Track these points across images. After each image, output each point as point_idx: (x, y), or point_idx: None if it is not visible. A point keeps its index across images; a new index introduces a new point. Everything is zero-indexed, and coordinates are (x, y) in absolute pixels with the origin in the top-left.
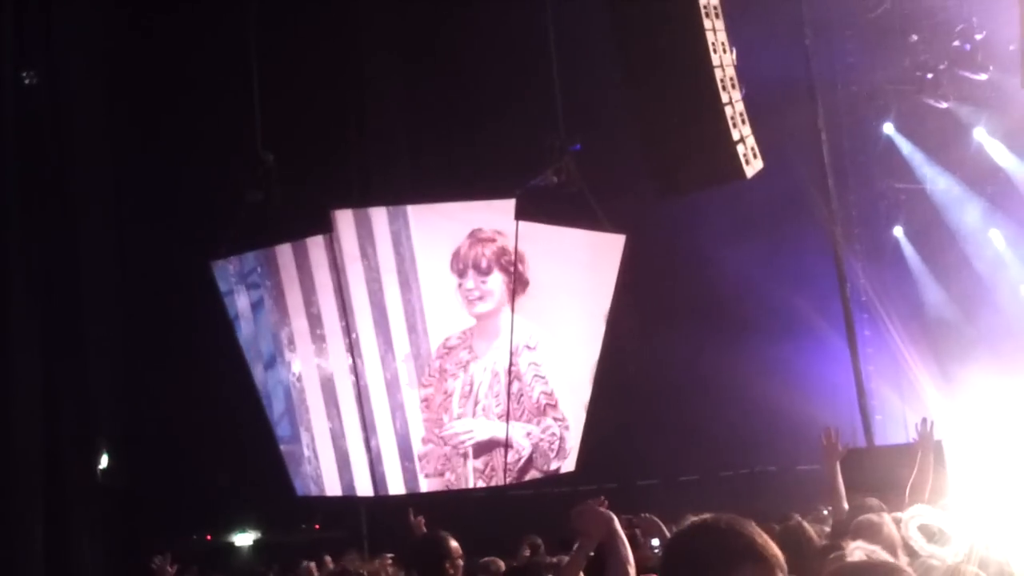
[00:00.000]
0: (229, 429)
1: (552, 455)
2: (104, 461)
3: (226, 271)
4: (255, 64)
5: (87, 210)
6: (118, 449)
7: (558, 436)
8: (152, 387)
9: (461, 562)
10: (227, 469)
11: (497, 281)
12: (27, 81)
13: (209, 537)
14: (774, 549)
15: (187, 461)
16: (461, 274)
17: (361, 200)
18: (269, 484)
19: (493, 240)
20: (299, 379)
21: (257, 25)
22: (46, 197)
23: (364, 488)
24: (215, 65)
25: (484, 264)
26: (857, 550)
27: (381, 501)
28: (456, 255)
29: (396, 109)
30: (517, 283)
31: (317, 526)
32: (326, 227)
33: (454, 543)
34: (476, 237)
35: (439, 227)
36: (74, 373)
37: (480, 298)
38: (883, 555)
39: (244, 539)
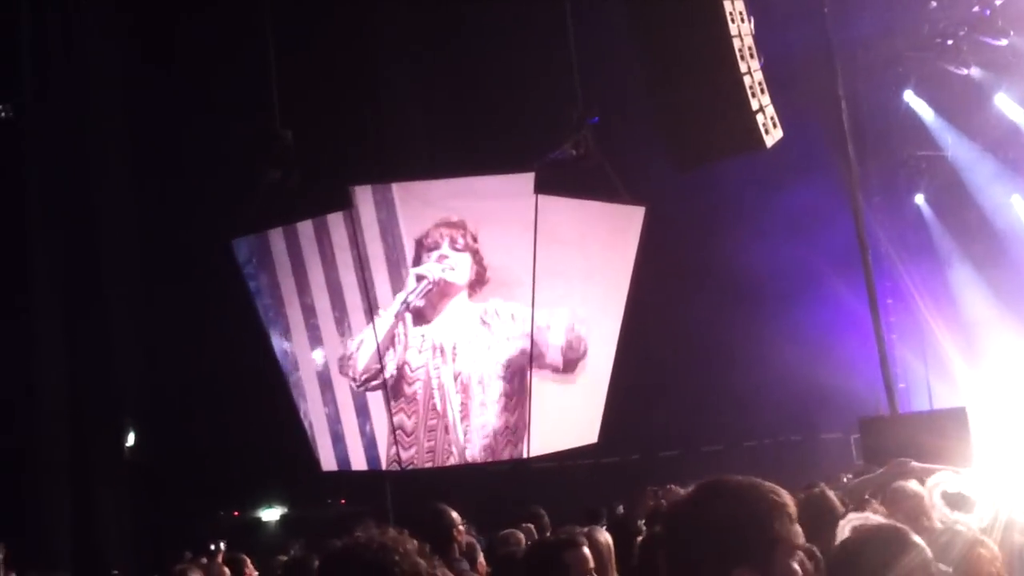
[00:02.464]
0: (254, 405)
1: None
2: (131, 439)
3: (247, 251)
4: (272, 42)
5: (107, 192)
6: (144, 427)
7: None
8: (177, 365)
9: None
10: (254, 445)
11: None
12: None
13: (237, 513)
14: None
15: (213, 437)
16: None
17: (380, 177)
18: (295, 460)
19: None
20: (323, 358)
21: (273, 3)
22: (66, 180)
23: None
24: (232, 44)
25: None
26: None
27: (407, 476)
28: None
29: (414, 85)
30: (480, 269)
31: (343, 501)
32: (346, 203)
33: (454, 513)
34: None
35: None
36: (99, 353)
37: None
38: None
39: (271, 515)
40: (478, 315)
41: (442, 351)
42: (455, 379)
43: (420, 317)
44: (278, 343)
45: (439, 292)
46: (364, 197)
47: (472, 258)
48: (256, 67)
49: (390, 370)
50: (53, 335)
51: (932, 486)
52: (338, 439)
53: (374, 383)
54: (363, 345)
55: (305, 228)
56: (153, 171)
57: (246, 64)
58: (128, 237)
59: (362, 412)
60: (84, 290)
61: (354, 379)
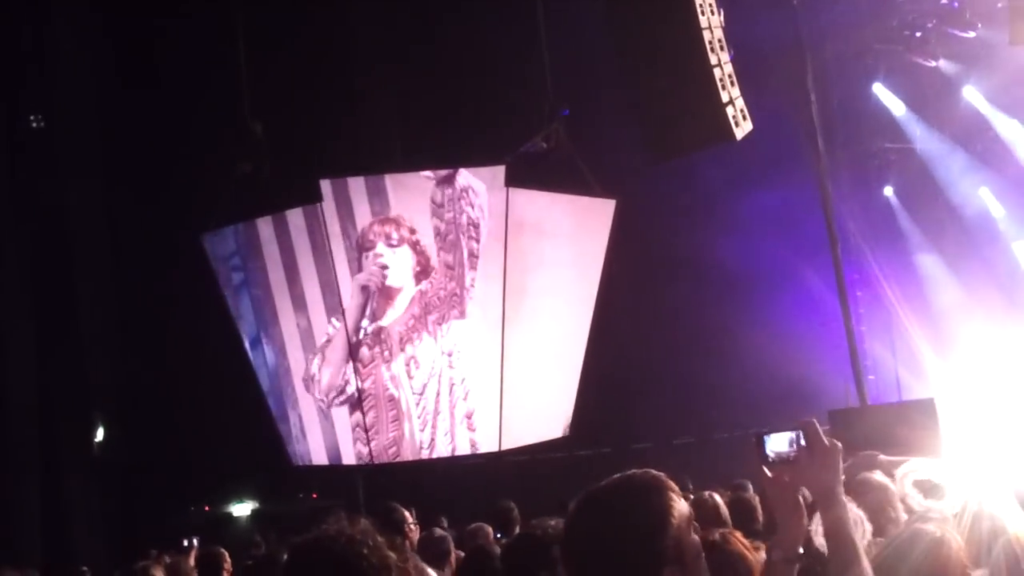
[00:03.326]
0: (225, 401)
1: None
2: (100, 435)
3: (217, 247)
4: (242, 33)
5: (77, 187)
6: (115, 423)
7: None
8: (148, 361)
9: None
10: (224, 440)
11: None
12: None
13: (208, 508)
14: None
15: (184, 433)
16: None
17: (351, 170)
18: (267, 454)
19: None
20: (285, 357)
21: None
22: (36, 175)
23: (350, 461)
24: (203, 35)
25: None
26: None
27: (377, 469)
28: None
29: (384, 77)
30: (422, 259)
31: (315, 495)
32: (315, 197)
33: (406, 511)
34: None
35: (418, 198)
36: (68, 348)
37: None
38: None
39: (242, 509)
40: (423, 308)
41: (391, 346)
42: (406, 368)
43: (371, 316)
44: (250, 338)
45: (384, 294)
46: (334, 190)
47: (412, 250)
48: (227, 59)
49: (354, 384)
50: (23, 331)
51: (904, 474)
52: (304, 435)
53: (340, 399)
54: (324, 363)
55: (276, 222)
56: (123, 165)
57: (217, 56)
58: (98, 232)
59: (325, 413)
60: (54, 286)
61: (322, 399)
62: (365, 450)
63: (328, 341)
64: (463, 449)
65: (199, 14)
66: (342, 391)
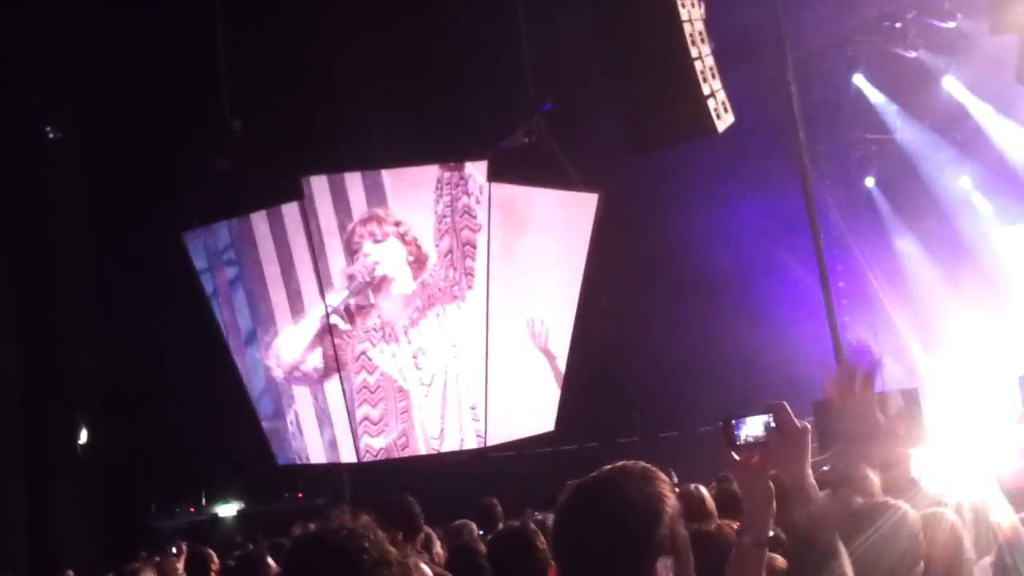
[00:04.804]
0: (210, 401)
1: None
2: (84, 436)
3: (200, 247)
4: (220, 30)
5: (57, 185)
6: (99, 424)
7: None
8: (131, 361)
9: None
10: (209, 441)
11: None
12: None
13: (193, 509)
14: None
15: (168, 433)
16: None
17: (334, 166)
18: (251, 455)
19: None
20: (279, 353)
21: None
22: (16, 175)
23: (348, 456)
24: (181, 33)
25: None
26: None
27: (363, 467)
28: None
29: (365, 73)
30: (414, 249)
31: (300, 494)
32: (298, 194)
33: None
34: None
35: (414, 191)
36: (51, 349)
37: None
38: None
39: (228, 510)
40: (426, 299)
41: (396, 337)
42: (414, 360)
43: (367, 310)
44: (245, 333)
45: (377, 286)
46: (319, 187)
47: (400, 241)
48: (206, 57)
49: (313, 362)
50: (4, 331)
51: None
52: (301, 432)
53: (298, 373)
54: (291, 336)
55: (258, 219)
56: (104, 162)
57: (195, 54)
58: (80, 231)
59: (321, 405)
60: (36, 286)
61: (279, 366)
62: (375, 443)
63: (316, 326)
64: (470, 441)
65: (178, 11)
66: (303, 363)
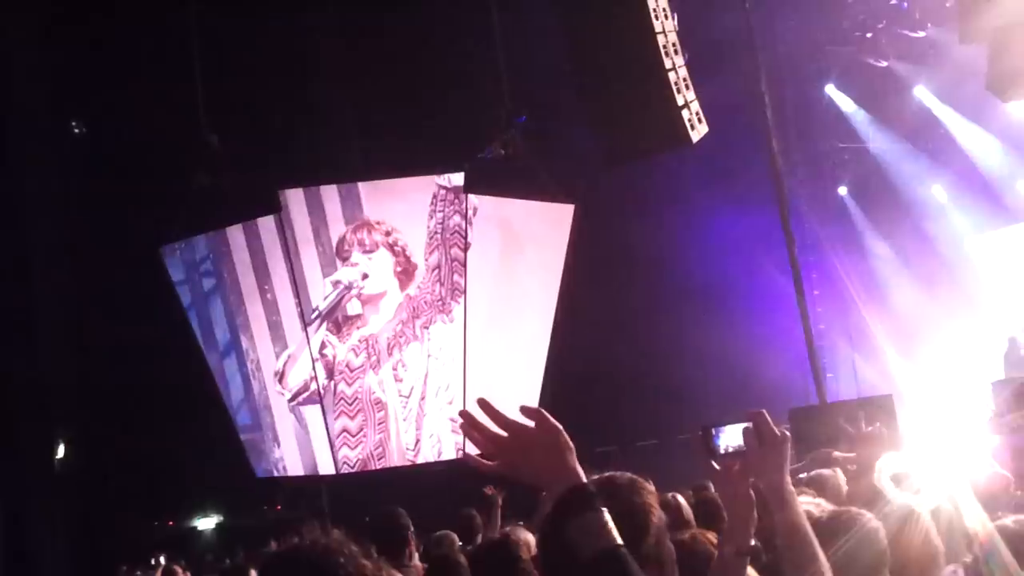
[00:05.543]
0: (188, 414)
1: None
2: (61, 450)
3: (178, 259)
4: (197, 45)
5: (35, 199)
6: (76, 438)
7: None
8: (110, 374)
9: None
10: (188, 455)
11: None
12: None
13: (172, 523)
14: None
15: (146, 447)
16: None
17: (311, 179)
18: (229, 468)
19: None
20: (257, 367)
21: (200, 4)
22: None
23: (326, 468)
24: (158, 48)
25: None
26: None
27: (342, 479)
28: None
29: (342, 85)
30: (403, 259)
31: (279, 507)
32: (275, 207)
33: (407, 517)
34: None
35: (392, 204)
36: (28, 363)
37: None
38: (827, 506)
39: (207, 523)
40: (411, 312)
41: (379, 350)
42: (394, 372)
43: (353, 320)
44: (223, 345)
45: (364, 298)
46: (295, 200)
47: (389, 251)
48: (181, 69)
49: (322, 381)
50: None
51: (881, 467)
52: (278, 444)
53: (304, 396)
54: (292, 359)
55: (235, 232)
56: (81, 175)
57: (171, 67)
58: (56, 248)
59: (299, 418)
60: (12, 298)
61: (284, 392)
62: (352, 455)
63: (300, 340)
64: (448, 452)
65: (155, 25)
66: (307, 388)
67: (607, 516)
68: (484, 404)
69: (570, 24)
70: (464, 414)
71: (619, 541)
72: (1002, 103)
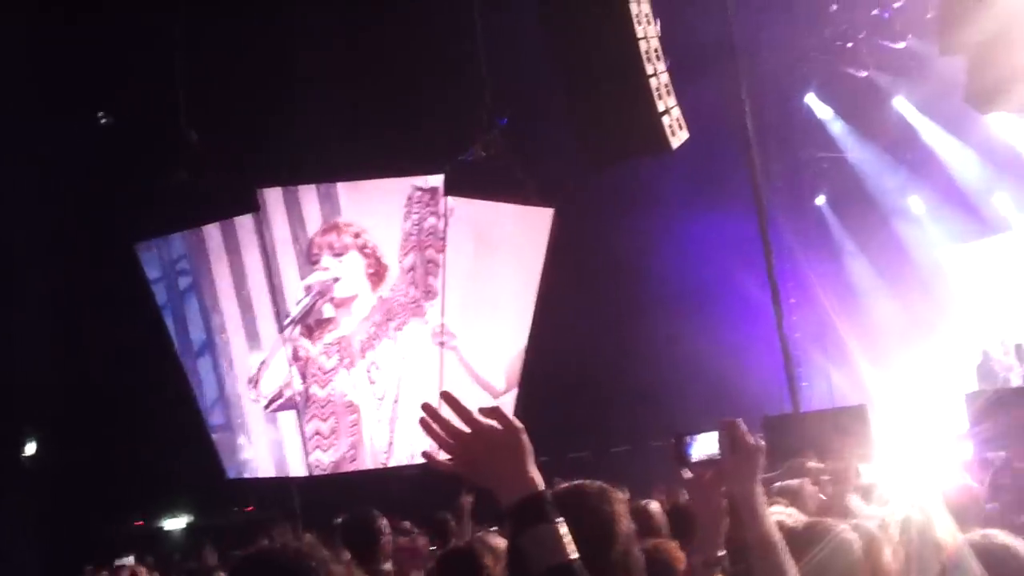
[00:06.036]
0: (159, 414)
1: None
2: (30, 448)
3: (154, 257)
4: (178, 40)
5: (12, 196)
6: (46, 436)
7: None
8: (82, 371)
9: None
10: (157, 454)
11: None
12: None
13: (141, 523)
14: None
15: (117, 446)
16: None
17: (291, 178)
18: (200, 468)
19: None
20: (231, 367)
21: (183, 3)
22: None
23: (298, 470)
24: (139, 43)
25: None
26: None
27: (313, 481)
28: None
29: (323, 86)
30: (374, 261)
31: (250, 508)
32: (253, 206)
33: (383, 519)
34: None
35: (370, 205)
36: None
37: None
38: (800, 517)
39: (176, 523)
40: (384, 314)
41: (352, 352)
42: (367, 374)
43: (325, 323)
44: (197, 345)
45: (336, 301)
46: (273, 200)
47: (360, 253)
48: (163, 66)
49: (296, 387)
50: None
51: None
52: (251, 444)
53: (278, 403)
54: (265, 365)
55: (212, 231)
56: (59, 172)
57: (153, 64)
58: (30, 245)
59: (272, 420)
60: None
61: (259, 399)
62: (324, 458)
63: (274, 344)
64: (421, 456)
65: (136, 21)
66: (281, 395)
67: (563, 528)
68: (448, 397)
69: (553, 27)
70: (426, 407)
71: (573, 556)
72: (981, 116)
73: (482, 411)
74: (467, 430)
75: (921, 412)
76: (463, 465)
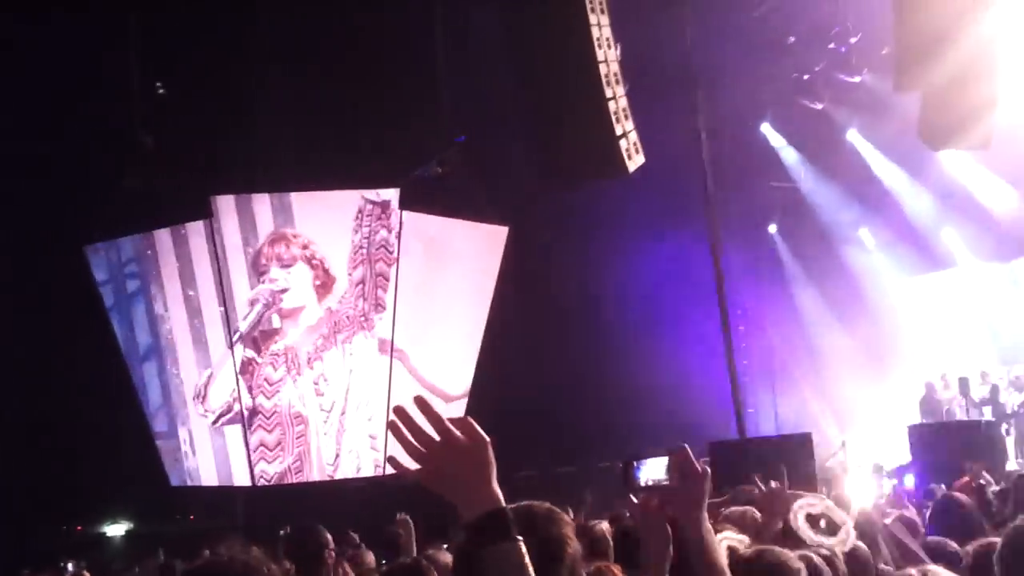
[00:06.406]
0: (102, 419)
1: None
2: None
3: (102, 260)
4: (134, 44)
5: None
6: None
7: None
8: (22, 374)
9: (334, 552)
10: (99, 460)
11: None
12: None
13: (80, 528)
14: None
15: (56, 450)
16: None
17: (245, 187)
18: (143, 475)
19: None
20: (178, 373)
21: (141, 8)
22: None
23: (242, 480)
24: (95, 46)
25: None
26: (724, 540)
27: (258, 491)
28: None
29: (282, 97)
30: (321, 273)
31: (192, 517)
32: (206, 213)
33: (327, 534)
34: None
35: (323, 216)
36: None
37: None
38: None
39: (116, 530)
40: (332, 326)
41: (299, 363)
42: (315, 387)
43: (272, 334)
44: (143, 349)
45: (283, 312)
46: (226, 207)
47: (307, 265)
48: (119, 72)
49: (245, 402)
50: None
51: (796, 509)
52: (193, 453)
53: (226, 417)
54: (212, 378)
55: (163, 236)
56: (8, 174)
57: (109, 69)
58: None
59: (217, 430)
60: None
61: (207, 413)
62: (269, 469)
63: (220, 357)
64: (367, 469)
65: (93, 24)
66: (230, 409)
67: (523, 547)
68: (421, 402)
69: (514, 49)
70: (398, 410)
71: (531, 574)
72: (933, 152)
73: (452, 421)
74: (437, 438)
75: (865, 443)
76: (428, 474)
